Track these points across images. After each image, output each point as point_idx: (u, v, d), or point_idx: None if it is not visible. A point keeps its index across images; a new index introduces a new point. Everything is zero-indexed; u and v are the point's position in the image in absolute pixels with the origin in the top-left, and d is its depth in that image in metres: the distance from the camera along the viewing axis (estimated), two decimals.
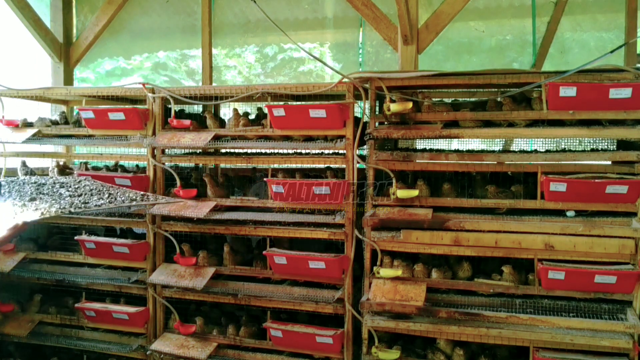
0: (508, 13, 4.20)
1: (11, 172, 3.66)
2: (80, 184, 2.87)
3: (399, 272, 2.75)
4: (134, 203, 2.72)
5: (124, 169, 3.60)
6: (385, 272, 2.76)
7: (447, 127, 2.77)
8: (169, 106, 3.23)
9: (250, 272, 3.14)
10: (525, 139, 3.19)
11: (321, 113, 2.85)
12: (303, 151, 3.20)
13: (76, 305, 3.35)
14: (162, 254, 3.30)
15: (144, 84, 3.27)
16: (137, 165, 3.66)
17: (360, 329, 2.86)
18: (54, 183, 2.87)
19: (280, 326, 2.99)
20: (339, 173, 3.12)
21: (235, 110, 3.22)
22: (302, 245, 3.18)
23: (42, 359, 3.59)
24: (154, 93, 3.25)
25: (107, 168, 3.61)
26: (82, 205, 2.45)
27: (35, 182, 2.88)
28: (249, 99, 3.20)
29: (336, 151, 3.10)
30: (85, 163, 3.57)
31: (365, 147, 2.95)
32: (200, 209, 3.06)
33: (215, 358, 3.12)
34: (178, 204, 3.15)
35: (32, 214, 2.22)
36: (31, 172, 3.60)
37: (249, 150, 3.29)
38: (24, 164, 3.64)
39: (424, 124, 2.83)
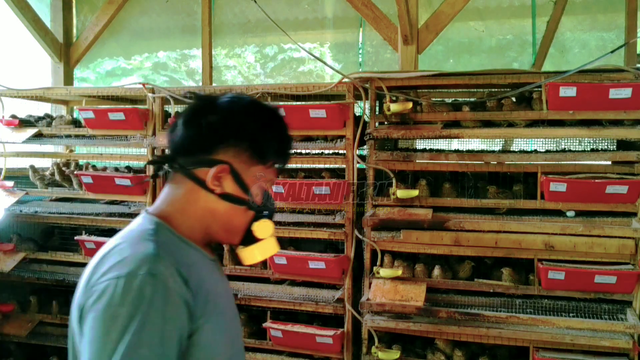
0: (508, 13, 4.20)
1: (11, 172, 3.66)
2: None
3: (399, 272, 2.75)
4: None
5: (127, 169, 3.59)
6: (385, 272, 2.76)
7: (447, 127, 2.77)
8: (173, 107, 3.23)
9: (250, 272, 3.14)
10: (525, 139, 3.19)
11: (321, 113, 2.85)
12: (303, 151, 3.19)
13: None
14: None
15: (144, 84, 3.26)
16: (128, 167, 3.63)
17: (360, 329, 2.86)
18: None
19: (280, 326, 2.99)
20: (334, 174, 3.10)
21: None
22: (301, 245, 3.18)
23: (42, 359, 3.59)
24: (153, 93, 3.25)
25: (116, 169, 3.58)
26: None
27: None
28: None
29: (336, 151, 3.10)
30: (87, 163, 3.57)
31: (365, 147, 2.95)
32: None
33: None
34: None
35: None
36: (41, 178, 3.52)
37: None
38: (33, 168, 3.58)
39: (424, 124, 2.83)
